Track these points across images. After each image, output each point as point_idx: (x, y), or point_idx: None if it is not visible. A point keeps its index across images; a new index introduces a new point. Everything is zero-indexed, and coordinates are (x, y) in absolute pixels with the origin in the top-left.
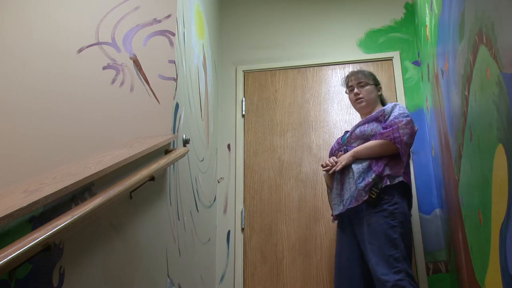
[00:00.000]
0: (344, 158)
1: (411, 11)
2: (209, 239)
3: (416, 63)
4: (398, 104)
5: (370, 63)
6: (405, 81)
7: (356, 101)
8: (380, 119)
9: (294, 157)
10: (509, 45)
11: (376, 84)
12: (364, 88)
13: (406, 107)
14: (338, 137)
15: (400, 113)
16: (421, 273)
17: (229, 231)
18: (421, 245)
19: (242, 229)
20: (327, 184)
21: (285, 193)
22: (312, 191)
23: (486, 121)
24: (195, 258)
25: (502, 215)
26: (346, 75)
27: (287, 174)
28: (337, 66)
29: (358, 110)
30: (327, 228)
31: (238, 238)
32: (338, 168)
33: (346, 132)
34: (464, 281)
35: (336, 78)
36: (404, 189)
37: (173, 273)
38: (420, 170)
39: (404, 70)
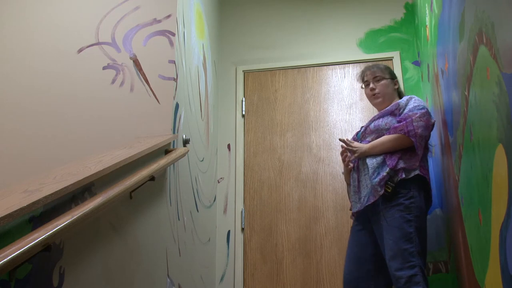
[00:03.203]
0: (360, 149)
1: (411, 11)
2: (209, 239)
3: (416, 63)
4: (413, 97)
5: (370, 63)
6: (405, 81)
7: (372, 96)
8: (395, 112)
9: (294, 157)
10: (509, 45)
11: (393, 77)
12: (379, 82)
13: None
14: (338, 137)
15: (415, 106)
16: None
17: (229, 231)
18: None
19: (242, 229)
20: (346, 181)
21: (285, 193)
22: (312, 191)
23: (486, 121)
24: (195, 258)
25: (502, 215)
26: (361, 70)
27: (287, 174)
28: (337, 66)
29: (374, 105)
30: (327, 228)
31: (238, 238)
32: (352, 158)
33: (362, 127)
34: (464, 281)
35: (336, 78)
36: (421, 182)
37: (173, 273)
38: None
39: (404, 70)
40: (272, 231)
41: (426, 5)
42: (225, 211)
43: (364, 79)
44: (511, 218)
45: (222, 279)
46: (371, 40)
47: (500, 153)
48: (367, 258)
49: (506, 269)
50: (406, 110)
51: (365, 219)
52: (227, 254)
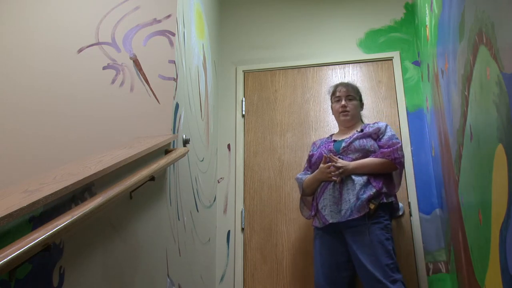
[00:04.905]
0: (346, 168)
1: (411, 11)
2: (209, 239)
3: (416, 63)
4: (388, 125)
5: (370, 63)
6: (405, 81)
7: (341, 113)
8: (374, 136)
9: (294, 157)
10: (509, 45)
11: (361, 100)
12: (351, 102)
13: (406, 107)
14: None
15: (393, 134)
16: (421, 273)
17: (229, 231)
18: (421, 245)
19: (242, 229)
20: (307, 188)
21: (285, 193)
22: None
23: (486, 121)
24: (195, 258)
25: (502, 215)
26: (334, 84)
27: (287, 174)
28: (337, 66)
29: (341, 122)
30: None
31: (238, 238)
32: (339, 180)
33: (335, 141)
34: (464, 281)
35: (336, 78)
36: (392, 210)
37: (173, 273)
38: (420, 170)
39: (404, 70)
40: (272, 231)
41: (426, 5)
42: (225, 211)
43: (336, 94)
44: (511, 218)
45: (222, 279)
46: (371, 40)
47: (500, 153)
48: (342, 265)
49: (506, 269)
50: (386, 137)
51: (336, 229)
52: (227, 254)
